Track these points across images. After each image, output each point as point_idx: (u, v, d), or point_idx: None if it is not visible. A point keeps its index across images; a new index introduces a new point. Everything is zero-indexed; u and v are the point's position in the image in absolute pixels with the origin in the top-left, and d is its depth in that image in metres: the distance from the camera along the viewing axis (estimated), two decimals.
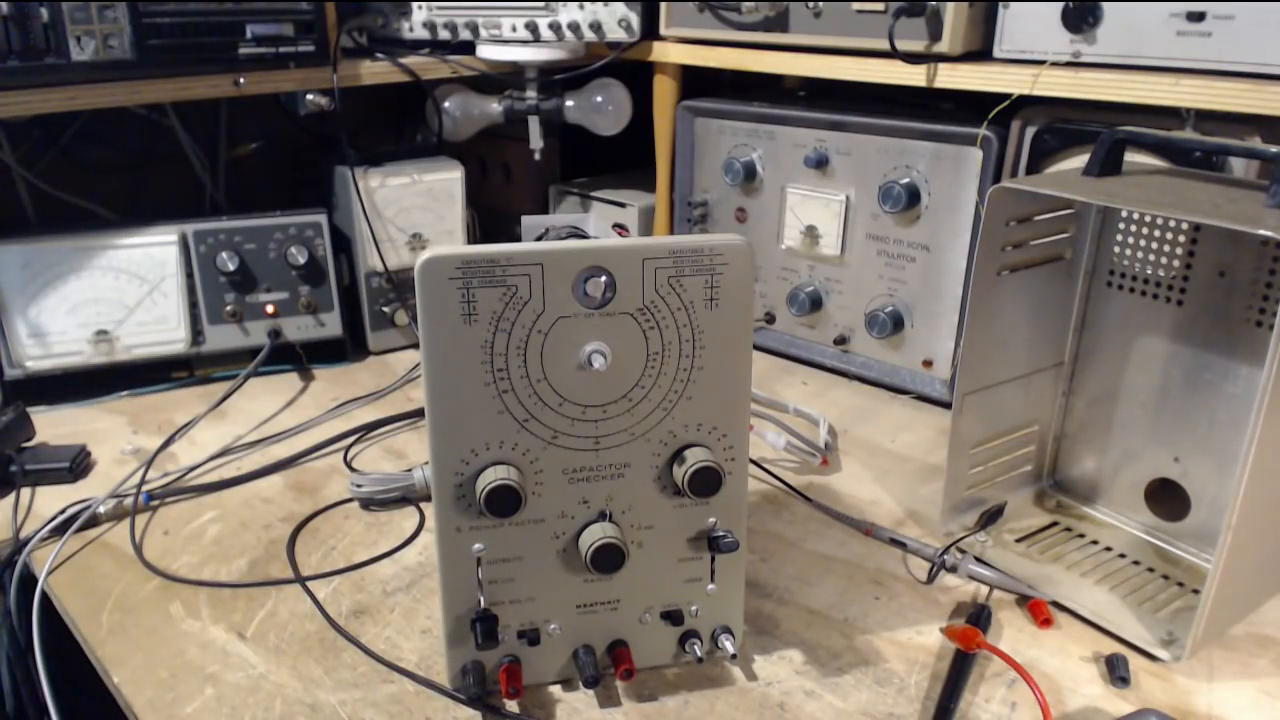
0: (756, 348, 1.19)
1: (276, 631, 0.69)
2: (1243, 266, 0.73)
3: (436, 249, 0.54)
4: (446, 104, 1.24)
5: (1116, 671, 0.65)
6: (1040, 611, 0.71)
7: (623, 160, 1.44)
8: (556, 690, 0.64)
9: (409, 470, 0.87)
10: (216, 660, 0.66)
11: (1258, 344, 0.72)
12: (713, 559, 0.64)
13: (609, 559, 0.60)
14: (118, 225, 1.07)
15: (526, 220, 1.29)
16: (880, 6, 0.96)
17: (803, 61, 1.06)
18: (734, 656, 0.64)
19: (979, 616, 0.69)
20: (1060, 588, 0.73)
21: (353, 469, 0.92)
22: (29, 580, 0.76)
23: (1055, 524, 0.83)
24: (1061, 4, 0.86)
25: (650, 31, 1.18)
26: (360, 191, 1.13)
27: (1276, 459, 0.63)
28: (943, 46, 0.93)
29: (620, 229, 1.33)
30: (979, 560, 0.76)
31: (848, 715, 0.62)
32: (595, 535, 0.60)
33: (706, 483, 0.59)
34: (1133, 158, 0.79)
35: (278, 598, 0.73)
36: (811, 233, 1.11)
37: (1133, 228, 0.79)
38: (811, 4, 1.02)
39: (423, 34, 1.18)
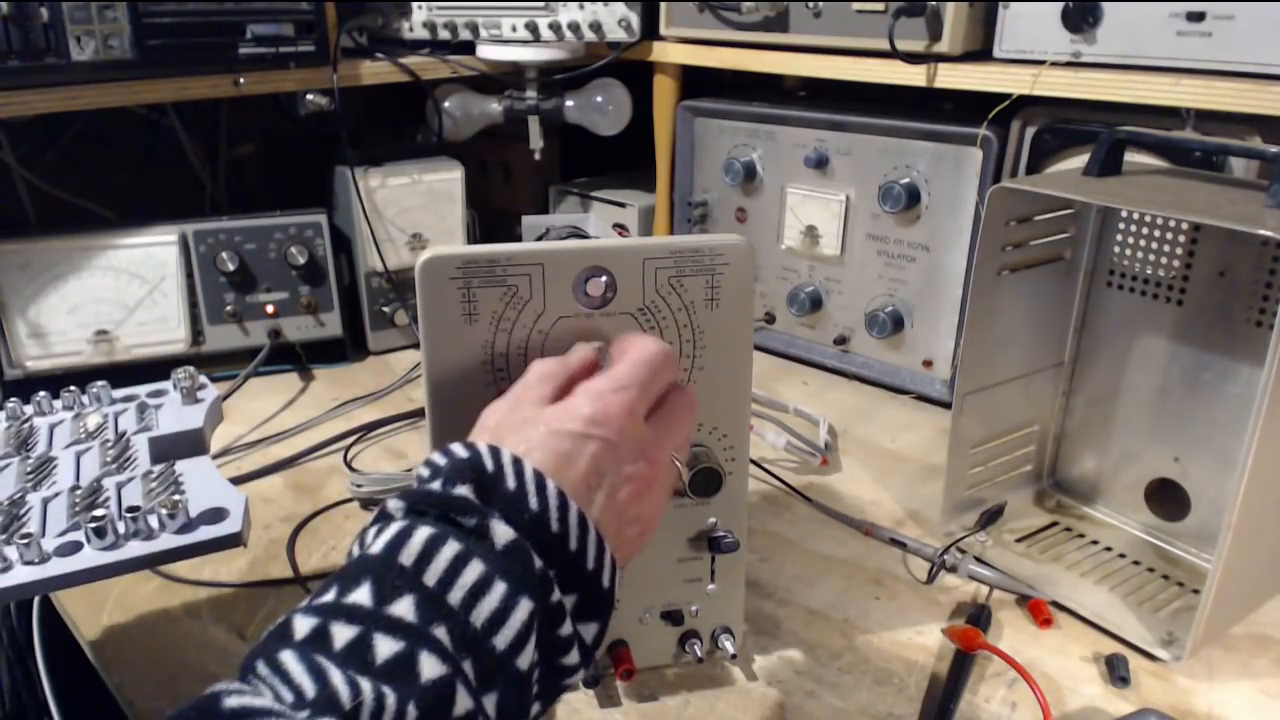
0: (756, 348, 1.18)
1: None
2: (1243, 266, 0.73)
3: (436, 249, 0.54)
4: (446, 104, 1.24)
5: (1116, 671, 0.65)
6: (1040, 611, 0.71)
7: (623, 160, 1.44)
8: None
9: (409, 470, 0.87)
10: (216, 660, 0.66)
11: (1258, 344, 0.72)
12: (713, 559, 0.64)
13: None
14: (118, 225, 1.06)
15: (526, 220, 1.29)
16: (880, 6, 0.96)
17: (803, 61, 1.06)
18: (734, 656, 0.65)
19: (979, 616, 0.69)
20: (1060, 588, 0.73)
21: (353, 469, 0.92)
22: None
23: (1055, 524, 0.83)
24: (1061, 4, 0.86)
25: (650, 31, 1.18)
26: (360, 191, 1.12)
27: (1276, 459, 0.63)
28: (943, 46, 0.93)
29: (620, 229, 1.33)
30: (979, 560, 0.76)
31: (848, 715, 0.62)
32: None
33: (707, 483, 0.59)
34: (1133, 158, 0.79)
35: (278, 598, 0.73)
36: (811, 233, 1.11)
37: (1133, 228, 0.79)
38: (811, 4, 1.02)
39: (423, 34, 1.18)
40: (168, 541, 0.52)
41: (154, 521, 0.53)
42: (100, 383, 0.68)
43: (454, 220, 1.20)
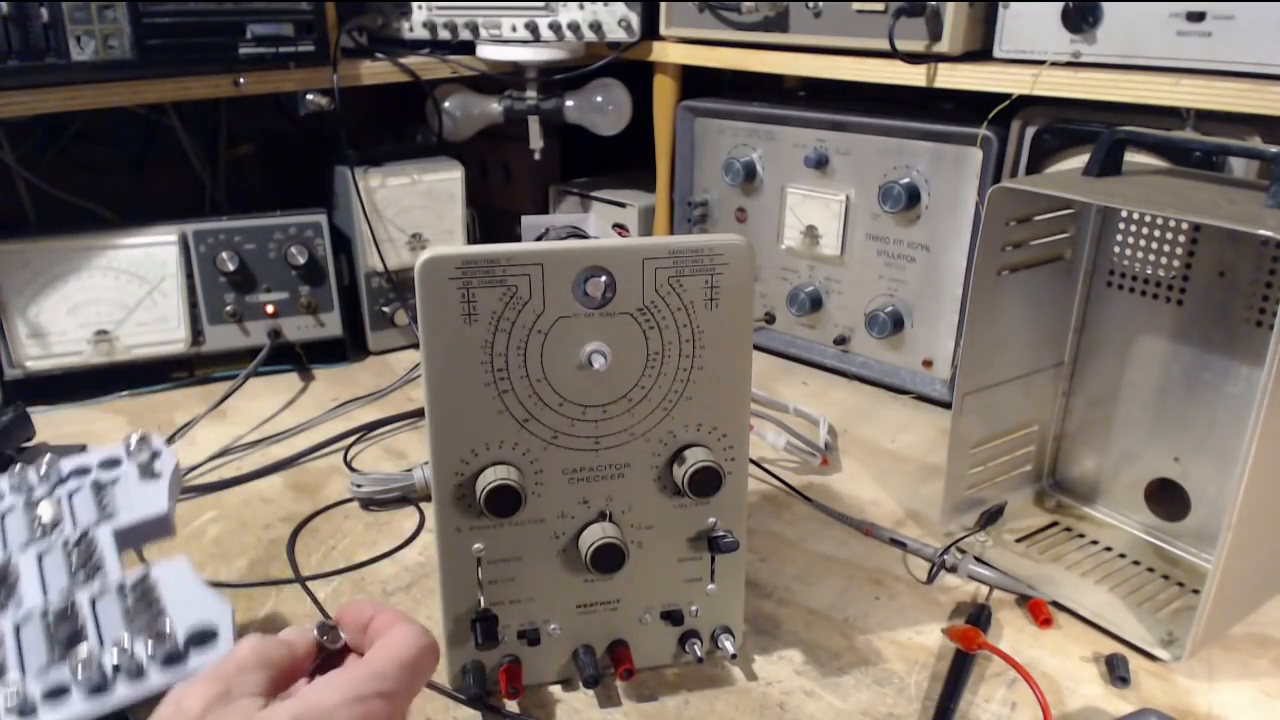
0: (756, 348, 1.19)
1: (276, 632, 0.69)
2: (1243, 266, 0.73)
3: (436, 249, 0.54)
4: (446, 104, 1.24)
5: (1116, 671, 0.65)
6: (1040, 611, 0.71)
7: (623, 160, 1.44)
8: (556, 690, 0.64)
9: (409, 470, 0.87)
10: None
11: (1258, 344, 0.72)
12: (713, 559, 0.64)
13: (609, 559, 0.60)
14: (118, 225, 1.07)
15: (526, 220, 1.29)
16: (880, 6, 0.96)
17: (803, 61, 1.06)
18: (734, 656, 0.64)
19: (979, 616, 0.69)
20: (1060, 588, 0.73)
21: (353, 469, 0.92)
22: None
23: (1055, 524, 0.83)
24: (1061, 4, 0.86)
25: (650, 31, 1.18)
26: (360, 191, 1.13)
27: (1276, 459, 0.63)
28: (943, 46, 0.93)
29: (620, 229, 1.33)
30: (979, 560, 0.76)
31: (848, 715, 0.62)
32: (595, 535, 0.60)
33: (706, 483, 0.59)
34: (1133, 158, 0.79)
35: (278, 598, 0.73)
36: (811, 233, 1.11)
37: (1133, 228, 0.79)
38: (811, 4, 1.02)
39: (423, 34, 1.18)
40: (158, 679, 0.48)
41: (141, 651, 0.48)
42: (47, 456, 0.62)
43: (454, 220, 1.20)
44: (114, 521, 0.58)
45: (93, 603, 0.52)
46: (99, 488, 0.61)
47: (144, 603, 0.52)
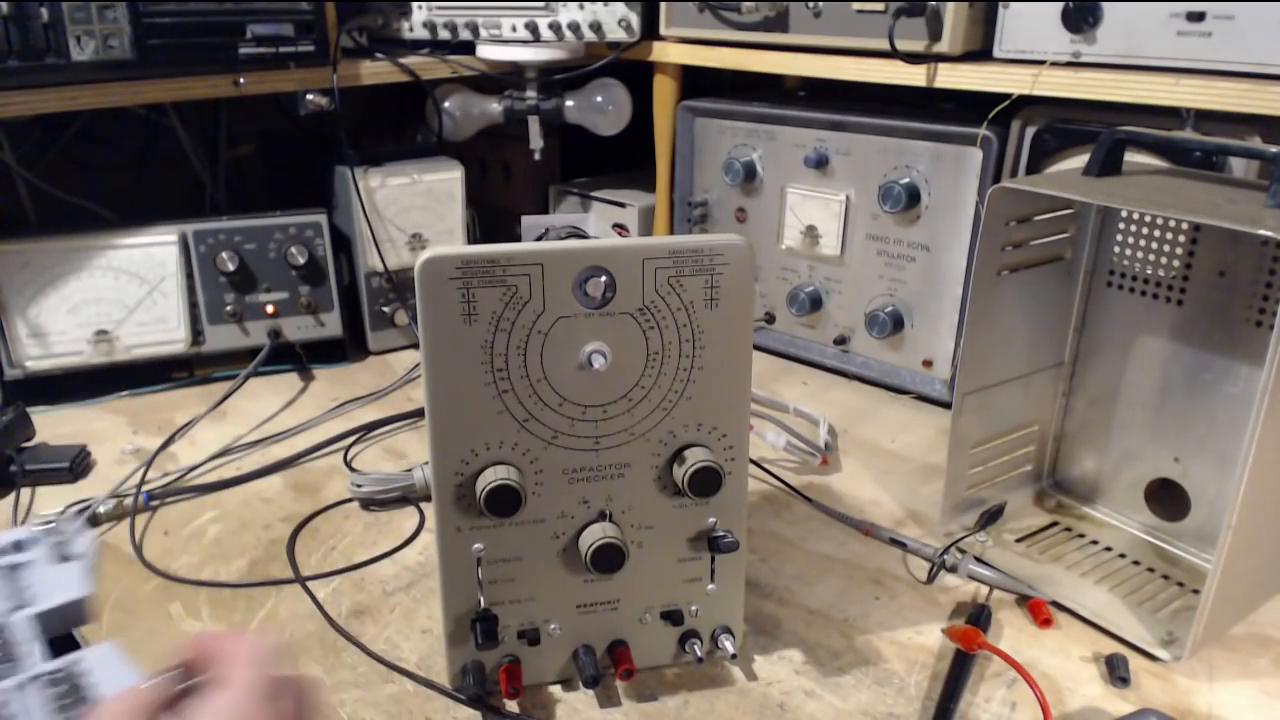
0: (756, 348, 1.19)
1: (276, 632, 0.69)
2: (1243, 266, 0.73)
3: (436, 249, 0.54)
4: (446, 104, 1.24)
5: (1116, 671, 0.65)
6: (1040, 611, 0.71)
7: (623, 160, 1.44)
8: (556, 690, 0.64)
9: (409, 470, 0.87)
10: None
11: (1258, 344, 0.72)
12: (713, 559, 0.64)
13: (609, 559, 0.60)
14: (118, 225, 1.07)
15: (526, 220, 1.29)
16: (880, 6, 0.96)
17: (803, 61, 1.06)
18: (734, 656, 0.64)
19: (979, 616, 0.69)
20: (1060, 588, 0.73)
21: (353, 469, 0.92)
22: None
23: (1055, 524, 0.83)
24: (1061, 4, 0.86)
25: (650, 31, 1.18)
26: (360, 191, 1.13)
27: (1276, 459, 0.63)
28: (943, 46, 0.93)
29: (620, 229, 1.33)
30: (979, 560, 0.76)
31: (848, 715, 0.62)
32: (595, 535, 0.60)
33: (706, 483, 0.59)
34: (1133, 158, 0.79)
35: (278, 598, 0.73)
36: (811, 233, 1.11)
37: (1133, 228, 0.79)
38: (811, 4, 1.02)
39: (423, 34, 1.18)
40: None
41: None
42: None
43: (454, 220, 1.20)
44: (31, 608, 0.55)
45: (18, 690, 0.49)
46: (13, 570, 0.58)
47: (73, 693, 0.49)
